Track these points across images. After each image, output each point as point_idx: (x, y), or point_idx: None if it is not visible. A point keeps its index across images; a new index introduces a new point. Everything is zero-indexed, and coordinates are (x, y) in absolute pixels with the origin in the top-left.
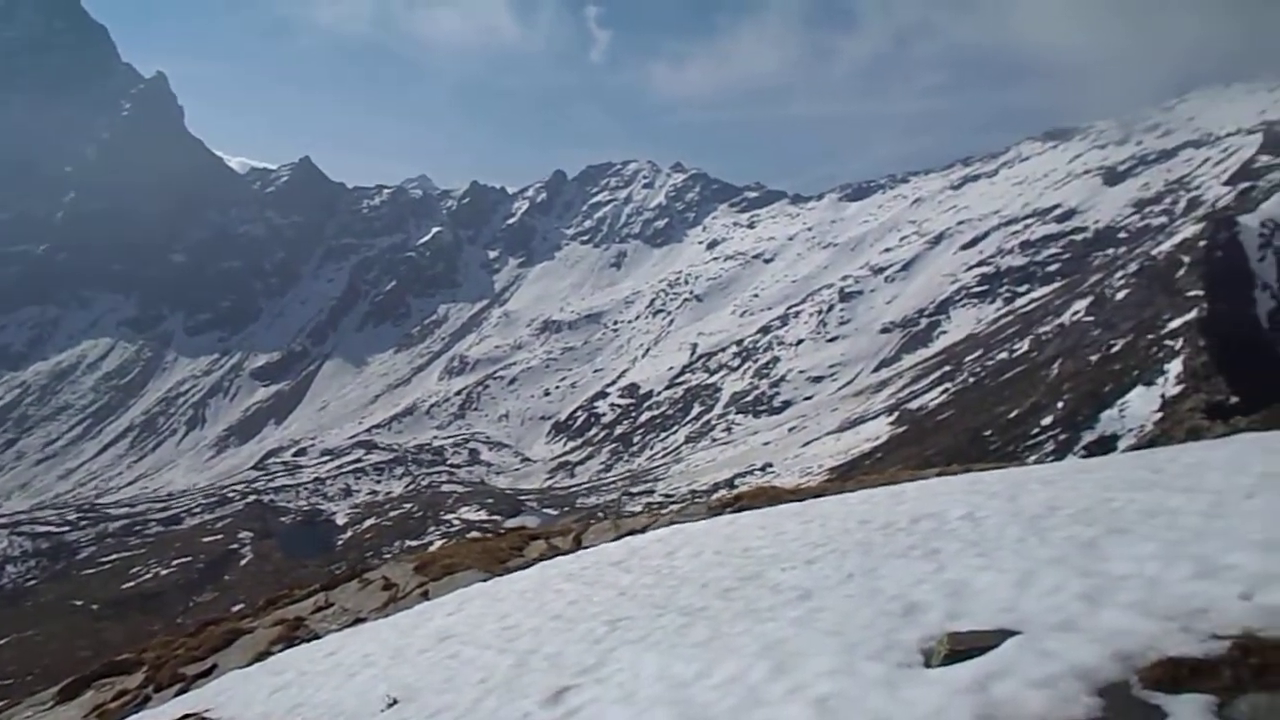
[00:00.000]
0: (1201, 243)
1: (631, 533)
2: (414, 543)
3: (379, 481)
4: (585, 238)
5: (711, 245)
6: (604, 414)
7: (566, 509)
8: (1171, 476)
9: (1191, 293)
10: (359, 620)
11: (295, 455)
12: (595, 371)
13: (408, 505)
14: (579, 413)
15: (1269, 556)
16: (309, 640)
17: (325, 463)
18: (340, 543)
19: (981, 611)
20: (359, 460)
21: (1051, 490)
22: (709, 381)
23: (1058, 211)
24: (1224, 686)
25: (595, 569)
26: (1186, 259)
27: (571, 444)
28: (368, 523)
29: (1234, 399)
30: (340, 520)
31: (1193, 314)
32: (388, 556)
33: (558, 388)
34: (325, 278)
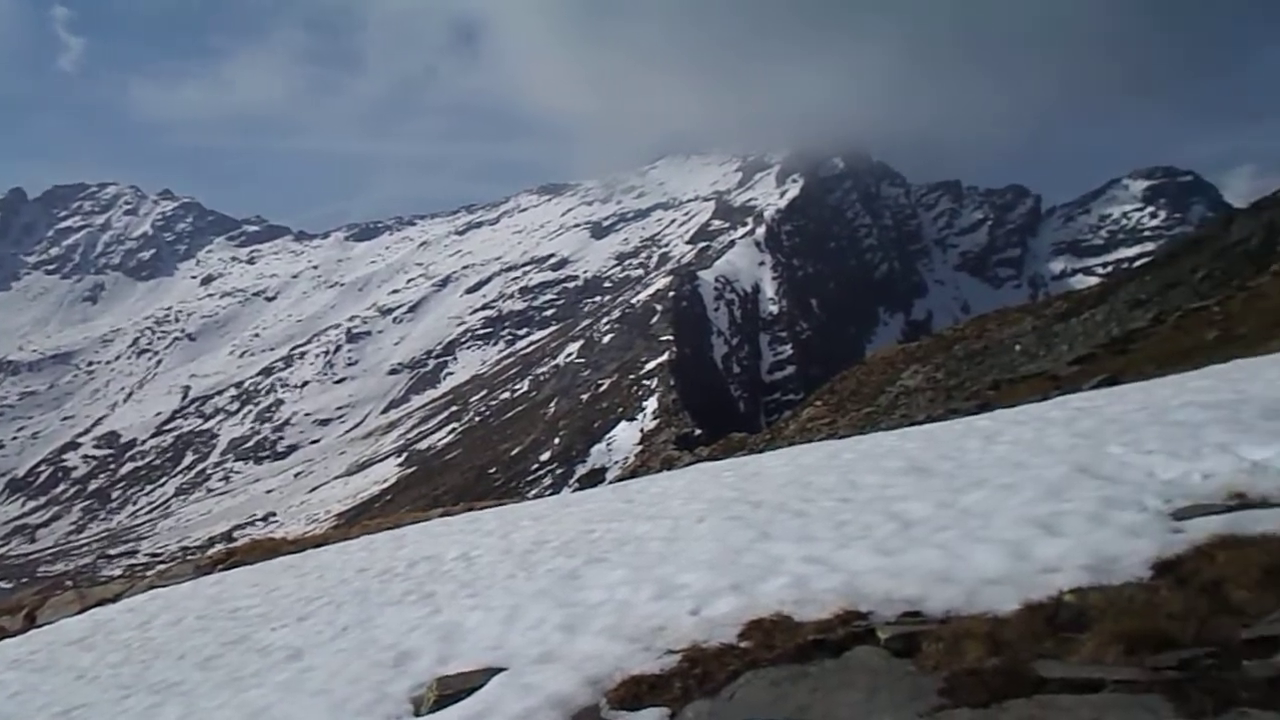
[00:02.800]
0: (671, 293)
1: (102, 603)
2: None
3: None
4: (52, 267)
5: (207, 280)
6: (75, 467)
7: (25, 580)
8: (641, 506)
9: (664, 337)
10: None
11: None
12: (64, 419)
13: None
14: (43, 467)
15: (714, 574)
16: None
17: None
18: None
19: (471, 651)
20: None
21: (540, 525)
22: (204, 427)
23: (552, 260)
24: (675, 698)
25: (48, 651)
26: (659, 307)
27: (32, 503)
28: None
29: (698, 431)
30: None
31: (665, 356)
32: None
33: (15, 439)
34: None
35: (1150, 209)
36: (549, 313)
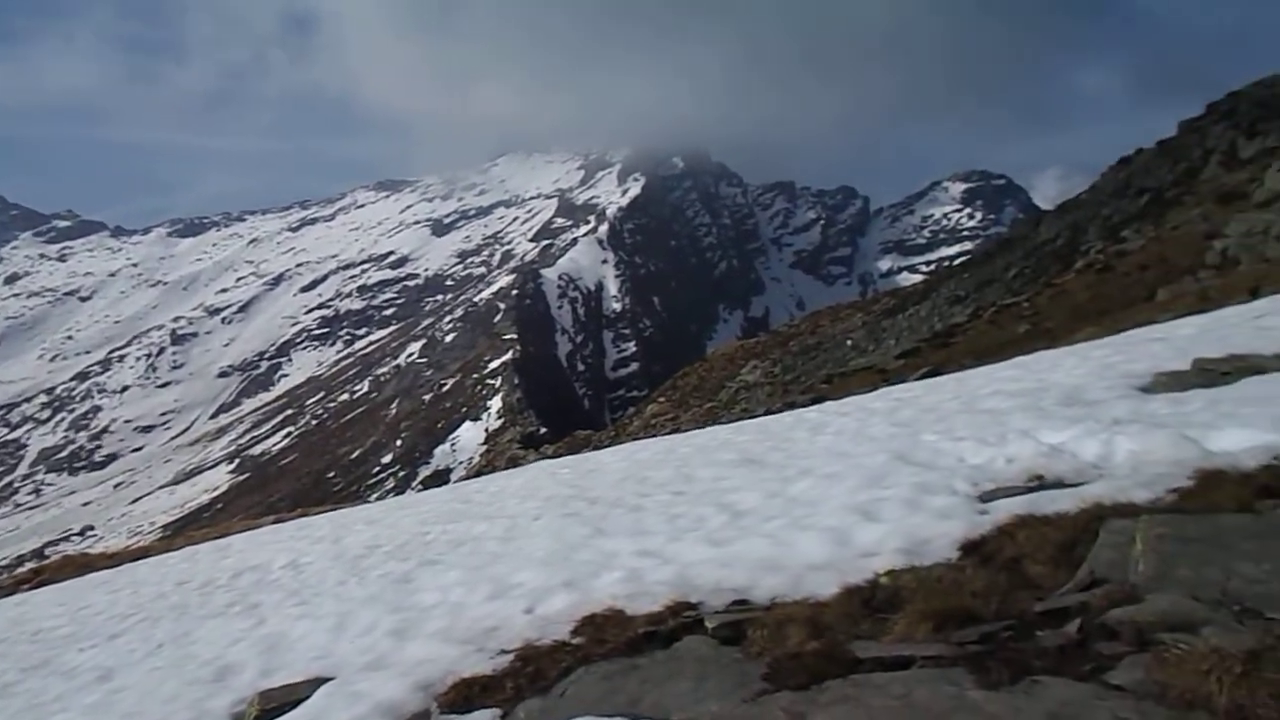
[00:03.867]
0: (514, 291)
1: None
2: None
3: None
4: None
5: (11, 279)
6: None
7: None
8: (478, 506)
9: (507, 336)
10: None
11: None
12: None
13: None
14: None
15: (548, 572)
16: None
17: None
18: None
19: (297, 662)
20: None
21: (374, 529)
22: (10, 437)
23: (392, 258)
24: (506, 698)
25: None
26: (503, 305)
27: None
28: None
29: (544, 429)
30: None
31: (509, 355)
32: None
33: None
34: None
35: (968, 210)
36: (389, 312)
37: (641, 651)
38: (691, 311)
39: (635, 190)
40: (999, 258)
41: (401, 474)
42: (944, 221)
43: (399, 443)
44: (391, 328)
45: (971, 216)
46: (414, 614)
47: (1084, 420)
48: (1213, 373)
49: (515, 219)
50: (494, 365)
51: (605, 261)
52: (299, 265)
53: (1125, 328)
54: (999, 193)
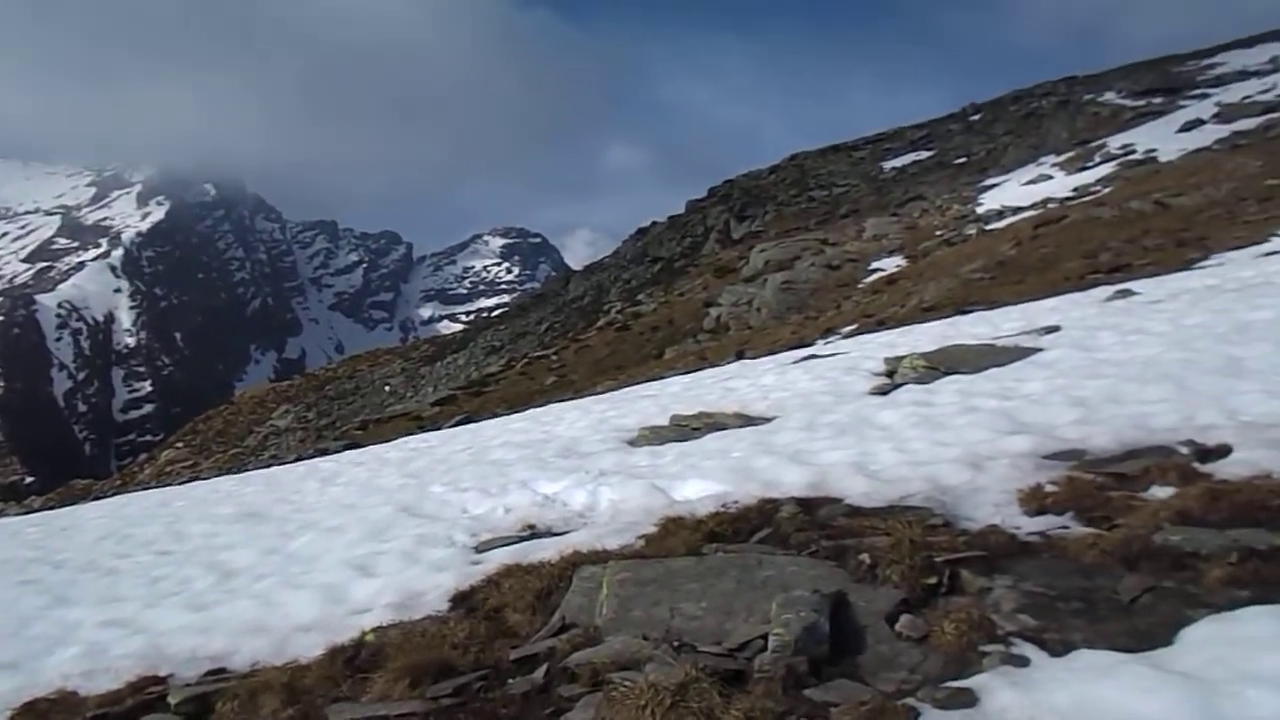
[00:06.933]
0: (0, 319)
1: None
2: None
3: None
4: None
5: None
6: None
7: None
8: None
9: None
10: None
11: None
12: None
13: None
14: None
15: None
16: None
17: None
18: None
19: None
20: None
21: None
22: None
23: None
24: None
25: None
26: None
27: None
28: None
29: (30, 478)
30: None
31: None
32: None
33: None
34: None
35: (507, 264)
36: None
37: None
38: (219, 350)
39: (159, 215)
40: (532, 312)
41: None
42: (484, 274)
43: None
44: None
45: (509, 270)
46: None
47: (576, 471)
48: (685, 428)
49: (5, 234)
50: None
51: (119, 291)
52: None
53: (637, 381)
54: (535, 250)
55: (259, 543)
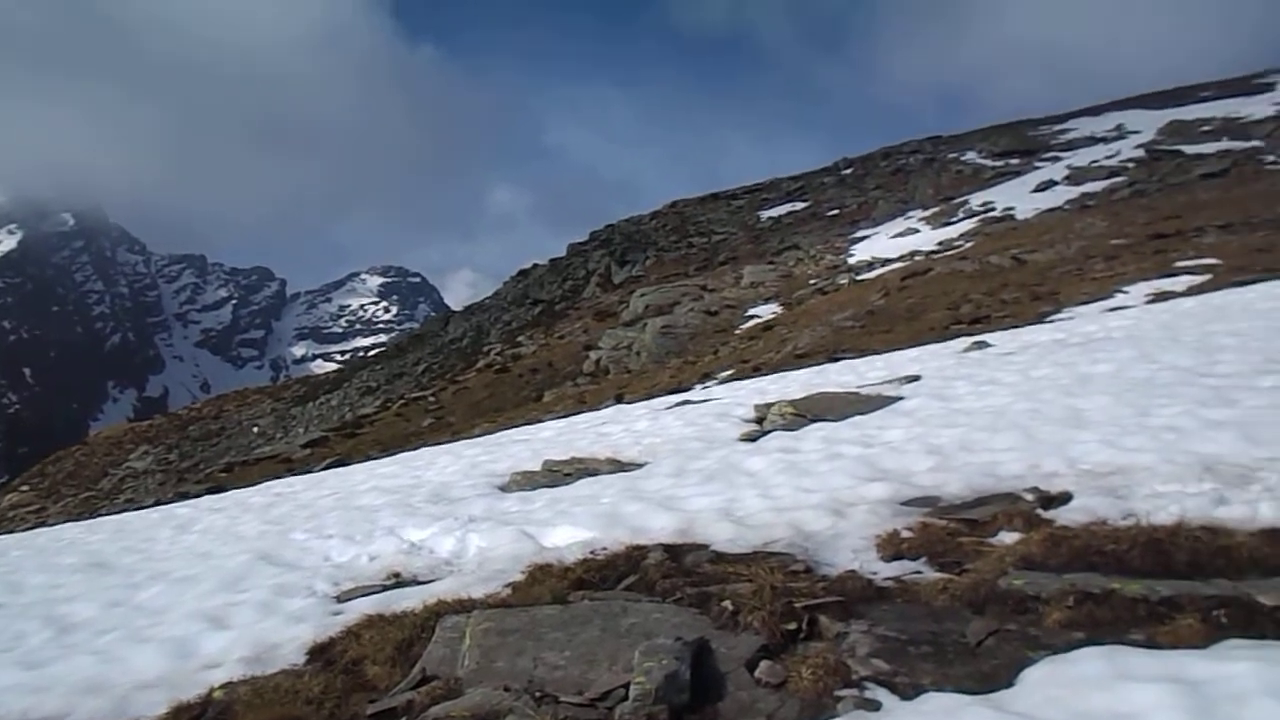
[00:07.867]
0: None
1: None
2: None
3: None
4: None
5: None
6: None
7: None
8: None
9: None
10: None
11: None
12: None
13: None
14: None
15: None
16: None
17: None
18: None
19: None
20: None
21: None
22: None
23: None
24: None
25: None
26: None
27: None
28: None
29: None
30: None
31: None
32: None
33: None
34: None
35: (384, 303)
36: None
37: None
38: (73, 387)
39: (10, 244)
40: (410, 352)
41: None
42: (361, 312)
43: None
44: None
45: (387, 310)
46: None
47: (445, 518)
48: (558, 473)
49: None
50: None
51: None
52: None
53: (514, 424)
54: (414, 289)
55: (104, 595)
